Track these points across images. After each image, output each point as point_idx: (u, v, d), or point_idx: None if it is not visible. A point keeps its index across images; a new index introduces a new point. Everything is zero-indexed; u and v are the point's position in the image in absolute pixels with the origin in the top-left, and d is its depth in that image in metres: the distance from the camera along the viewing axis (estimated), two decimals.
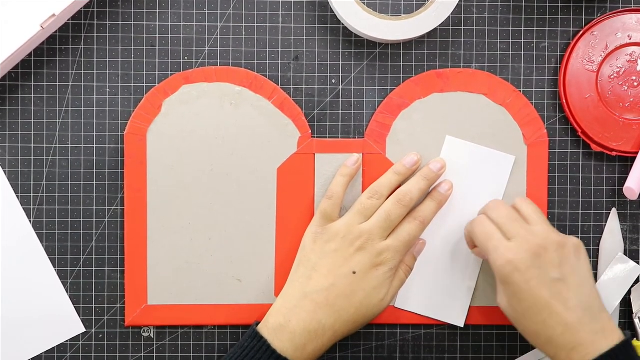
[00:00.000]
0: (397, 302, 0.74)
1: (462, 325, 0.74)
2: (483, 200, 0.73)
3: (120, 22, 0.74)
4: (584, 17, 0.75)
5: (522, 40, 0.75)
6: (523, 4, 0.75)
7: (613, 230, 0.75)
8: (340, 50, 0.75)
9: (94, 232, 0.74)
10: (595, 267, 0.75)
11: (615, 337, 0.63)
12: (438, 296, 0.74)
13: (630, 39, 0.74)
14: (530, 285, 0.64)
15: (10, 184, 0.73)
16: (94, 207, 0.74)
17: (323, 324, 0.68)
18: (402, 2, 0.74)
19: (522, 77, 0.75)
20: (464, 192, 0.74)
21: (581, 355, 0.62)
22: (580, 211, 0.75)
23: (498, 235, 0.67)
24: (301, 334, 0.67)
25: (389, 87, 0.75)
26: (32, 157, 0.74)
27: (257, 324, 0.69)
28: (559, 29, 0.75)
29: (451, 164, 0.73)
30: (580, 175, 0.75)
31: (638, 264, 0.75)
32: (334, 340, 0.69)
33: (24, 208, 0.74)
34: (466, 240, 0.73)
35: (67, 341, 0.74)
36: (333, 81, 0.74)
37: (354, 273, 0.69)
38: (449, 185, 0.73)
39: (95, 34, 0.74)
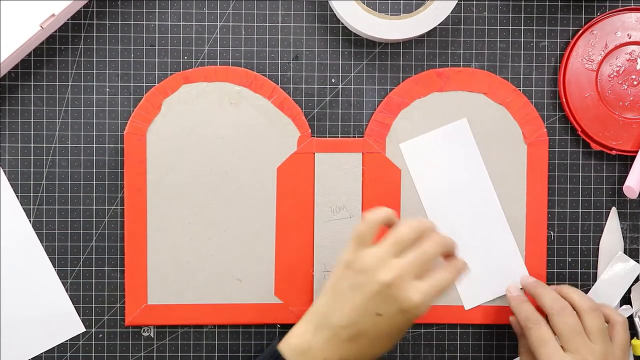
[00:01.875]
0: (467, 305, 0.74)
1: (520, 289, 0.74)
2: (468, 171, 0.73)
3: (119, 22, 0.74)
4: (583, 16, 0.75)
5: (522, 39, 0.75)
6: (523, 3, 0.75)
7: (613, 229, 0.75)
8: (340, 50, 0.75)
9: (94, 231, 0.74)
10: (594, 266, 0.75)
11: None
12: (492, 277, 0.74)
13: (629, 38, 0.74)
14: None
15: (10, 184, 0.73)
16: (94, 207, 0.74)
17: (344, 359, 0.64)
18: (402, 1, 0.74)
19: (521, 76, 0.75)
20: (450, 178, 0.74)
21: None
22: (580, 210, 0.75)
23: (554, 343, 0.66)
24: None
25: (388, 87, 0.75)
26: (32, 157, 0.74)
27: (278, 341, 0.66)
28: (559, 28, 0.75)
29: (422, 163, 0.73)
30: (580, 174, 0.75)
31: (638, 262, 0.75)
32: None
33: (24, 208, 0.74)
34: (513, 320, 0.73)
35: (67, 341, 0.74)
36: (333, 80, 0.74)
37: (379, 314, 0.63)
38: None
39: (94, 34, 0.74)
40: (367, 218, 0.65)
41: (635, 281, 0.75)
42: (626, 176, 0.74)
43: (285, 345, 0.65)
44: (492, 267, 0.74)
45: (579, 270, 0.75)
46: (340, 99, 0.75)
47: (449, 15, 0.73)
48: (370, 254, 0.64)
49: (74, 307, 0.74)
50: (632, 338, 0.75)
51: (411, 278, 0.63)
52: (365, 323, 0.63)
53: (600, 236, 0.75)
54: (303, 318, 0.66)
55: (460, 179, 0.74)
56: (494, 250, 0.74)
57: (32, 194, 0.74)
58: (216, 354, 0.75)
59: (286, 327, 0.75)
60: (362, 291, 0.63)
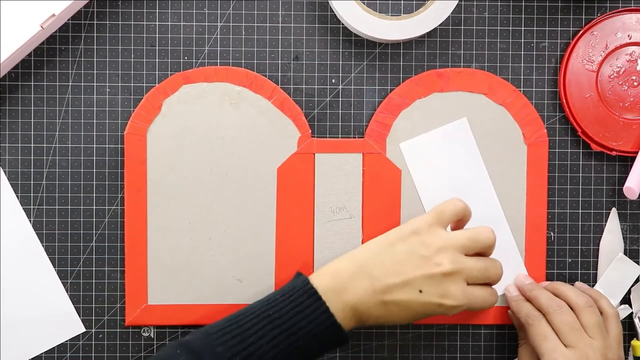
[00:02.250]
0: None
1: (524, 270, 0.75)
2: (468, 171, 0.73)
3: (120, 22, 0.74)
4: (583, 16, 0.75)
5: (522, 40, 0.75)
6: (523, 3, 0.75)
7: (613, 230, 0.75)
8: (340, 50, 0.75)
9: (94, 232, 0.74)
10: (594, 266, 0.75)
11: None
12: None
13: (630, 39, 0.74)
14: None
15: (10, 184, 0.73)
16: (94, 207, 0.74)
17: (370, 312, 0.65)
18: (402, 2, 0.74)
19: (522, 77, 0.75)
20: (450, 177, 0.74)
21: None
22: (580, 211, 0.75)
23: (555, 338, 0.67)
24: (349, 308, 0.64)
25: (389, 87, 0.75)
26: (32, 157, 0.74)
27: (302, 275, 0.65)
28: (559, 28, 0.75)
29: (422, 163, 0.73)
30: (580, 175, 0.75)
31: (638, 263, 0.75)
32: (377, 323, 0.67)
33: (24, 208, 0.74)
34: (511, 314, 0.73)
35: (67, 341, 0.74)
36: (333, 81, 0.74)
37: (420, 292, 0.65)
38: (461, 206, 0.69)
39: (95, 34, 0.74)
40: (456, 202, 0.67)
41: (635, 282, 0.75)
42: (626, 177, 0.74)
43: (319, 280, 0.65)
44: None
45: (579, 271, 0.75)
46: (340, 99, 0.75)
47: (449, 16, 0.73)
48: (445, 236, 0.66)
49: (74, 307, 0.74)
50: (632, 339, 0.75)
51: (465, 279, 0.65)
52: (404, 292, 0.64)
53: (600, 237, 0.75)
54: (342, 257, 0.67)
55: (461, 178, 0.74)
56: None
57: (32, 194, 0.74)
58: None
59: None
60: (418, 264, 0.64)
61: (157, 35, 0.74)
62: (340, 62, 0.75)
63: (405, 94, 0.74)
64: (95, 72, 0.74)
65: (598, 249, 0.75)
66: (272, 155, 0.74)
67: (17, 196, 0.73)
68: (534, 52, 0.75)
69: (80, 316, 0.74)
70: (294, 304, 0.63)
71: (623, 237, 0.75)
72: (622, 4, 0.75)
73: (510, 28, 0.75)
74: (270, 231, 0.74)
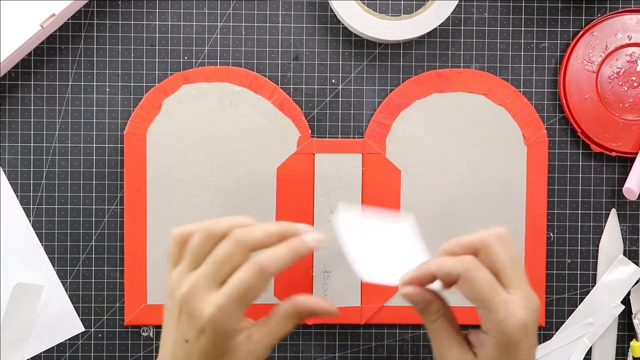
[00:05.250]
0: (365, 277, 0.59)
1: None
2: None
3: (120, 22, 0.74)
4: (583, 17, 0.75)
5: (522, 41, 0.75)
6: (523, 4, 0.75)
7: (612, 231, 0.75)
8: (340, 50, 0.75)
9: (94, 231, 0.74)
10: (594, 267, 0.75)
11: None
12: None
13: (630, 40, 0.74)
14: (529, 355, 0.53)
15: (10, 183, 0.73)
16: (94, 207, 0.74)
17: None
18: (402, 2, 0.74)
19: (522, 77, 0.75)
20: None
21: None
22: (579, 211, 0.75)
23: (499, 286, 0.53)
24: None
25: (388, 87, 0.75)
26: (32, 157, 0.74)
27: None
28: (559, 29, 0.75)
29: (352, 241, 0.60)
30: (580, 175, 0.75)
31: (638, 264, 0.75)
32: None
33: (23, 207, 0.74)
34: (411, 289, 0.55)
35: (66, 340, 0.74)
36: (333, 81, 0.74)
37: (187, 341, 0.53)
38: (317, 236, 0.55)
39: (95, 34, 0.74)
40: (171, 234, 0.57)
41: (635, 283, 0.75)
42: (626, 178, 0.74)
43: None
44: None
45: (579, 272, 0.75)
46: (340, 99, 0.75)
47: (449, 16, 0.73)
48: (172, 273, 0.55)
49: (74, 306, 0.74)
50: (631, 339, 0.75)
51: (208, 289, 0.52)
52: (179, 353, 0.53)
53: (600, 238, 0.75)
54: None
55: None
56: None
57: (31, 194, 0.74)
58: None
59: None
60: (171, 318, 0.54)
61: (157, 35, 0.74)
62: (340, 62, 0.75)
63: (405, 94, 0.74)
64: (95, 71, 0.74)
65: (597, 250, 0.75)
66: (272, 155, 0.74)
67: (17, 195, 0.73)
68: (534, 53, 0.75)
69: (79, 316, 0.74)
70: None
71: (622, 237, 0.75)
72: (622, 5, 0.75)
73: (510, 28, 0.75)
74: None
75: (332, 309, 0.56)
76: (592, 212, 0.75)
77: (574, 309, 0.75)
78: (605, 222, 0.75)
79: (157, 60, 0.74)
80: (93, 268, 0.74)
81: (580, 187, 0.75)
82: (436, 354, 0.56)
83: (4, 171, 0.73)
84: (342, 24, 0.74)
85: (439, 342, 0.56)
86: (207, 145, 0.73)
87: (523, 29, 0.75)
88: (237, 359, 0.53)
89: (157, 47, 0.74)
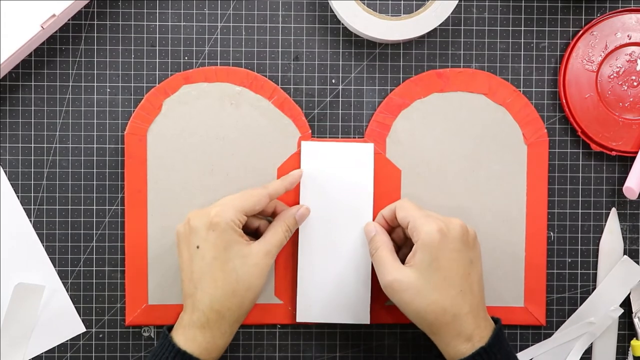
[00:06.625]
0: (299, 317, 0.73)
1: (368, 323, 0.73)
2: (355, 195, 0.72)
3: (120, 22, 0.74)
4: (583, 17, 0.75)
5: (522, 40, 0.75)
6: (523, 4, 0.75)
7: (613, 230, 0.75)
8: (340, 50, 0.75)
9: (94, 232, 0.74)
10: (594, 266, 0.76)
11: (492, 324, 0.66)
12: (339, 299, 0.73)
13: (629, 39, 0.74)
14: (452, 255, 0.64)
15: (11, 184, 0.74)
16: (94, 207, 0.74)
17: (196, 306, 0.66)
18: (402, 2, 0.74)
19: (522, 77, 0.75)
20: (336, 191, 0.72)
21: (476, 340, 0.64)
22: (580, 211, 0.75)
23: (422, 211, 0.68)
24: (185, 324, 0.66)
25: (388, 87, 0.75)
26: (32, 157, 0.74)
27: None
28: (559, 28, 0.75)
29: (313, 168, 0.72)
30: (580, 175, 0.75)
31: (638, 263, 0.75)
32: (223, 322, 0.66)
33: (24, 208, 0.74)
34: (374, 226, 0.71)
35: (67, 341, 0.74)
36: (333, 81, 0.75)
37: (198, 247, 0.66)
38: (299, 172, 0.72)
39: (95, 34, 0.74)
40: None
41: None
42: (626, 177, 0.74)
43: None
44: None
45: (579, 271, 0.75)
46: (340, 99, 0.75)
47: (449, 16, 0.73)
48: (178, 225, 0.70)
49: (75, 307, 0.74)
50: (631, 339, 0.75)
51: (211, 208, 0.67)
52: (194, 267, 0.66)
53: (600, 237, 0.75)
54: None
55: (342, 189, 0.73)
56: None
57: (32, 194, 0.74)
58: None
59: (286, 327, 0.75)
60: (184, 246, 0.68)
61: (157, 36, 0.74)
62: (340, 62, 0.75)
63: (405, 94, 0.74)
64: (95, 72, 0.74)
65: (598, 249, 0.75)
66: (272, 155, 0.74)
67: (18, 196, 0.74)
68: (534, 52, 0.75)
69: (80, 316, 0.74)
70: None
71: (623, 237, 0.75)
72: (622, 4, 0.75)
73: (510, 28, 0.75)
74: None
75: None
76: (592, 211, 0.75)
77: (575, 308, 0.75)
78: (606, 221, 0.75)
79: (157, 60, 0.74)
80: (94, 268, 0.74)
81: (580, 187, 0.75)
82: (380, 281, 0.66)
83: (5, 172, 0.73)
84: (342, 24, 0.74)
85: (381, 267, 0.66)
86: (207, 146, 0.73)
87: (523, 28, 0.75)
88: (242, 257, 0.65)
89: (157, 48, 0.74)
